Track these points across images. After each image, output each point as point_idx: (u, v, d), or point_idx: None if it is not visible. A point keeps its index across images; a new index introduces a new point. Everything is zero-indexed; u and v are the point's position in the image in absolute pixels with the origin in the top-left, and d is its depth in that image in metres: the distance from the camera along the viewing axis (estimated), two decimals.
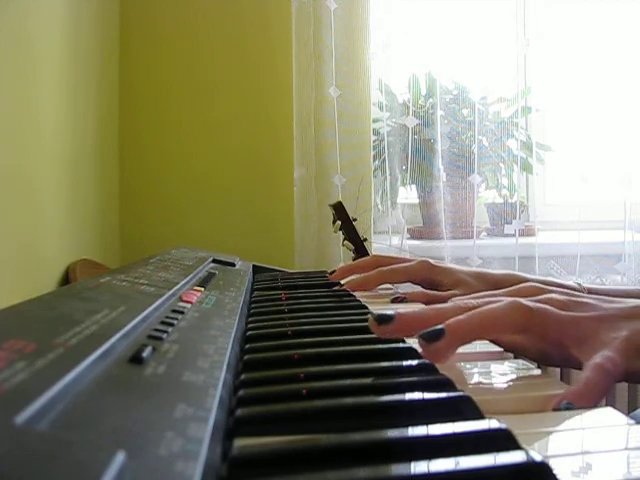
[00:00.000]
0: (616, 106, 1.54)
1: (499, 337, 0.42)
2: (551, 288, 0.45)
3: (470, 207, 1.50)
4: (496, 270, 0.72)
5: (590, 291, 0.66)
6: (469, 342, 0.39)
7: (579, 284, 0.67)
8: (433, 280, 0.69)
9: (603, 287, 0.69)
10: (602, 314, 0.41)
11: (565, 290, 0.46)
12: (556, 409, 0.32)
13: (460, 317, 0.38)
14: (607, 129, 1.55)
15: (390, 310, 0.40)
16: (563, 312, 0.40)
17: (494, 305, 0.39)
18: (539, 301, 0.41)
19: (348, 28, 1.40)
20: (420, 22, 1.48)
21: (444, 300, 0.63)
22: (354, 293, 0.66)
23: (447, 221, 1.47)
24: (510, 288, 0.48)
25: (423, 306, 0.56)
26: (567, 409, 0.31)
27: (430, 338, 0.36)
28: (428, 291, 0.67)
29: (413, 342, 0.39)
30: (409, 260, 0.67)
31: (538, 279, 0.67)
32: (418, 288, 0.70)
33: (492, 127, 1.53)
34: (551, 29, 1.53)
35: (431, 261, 0.70)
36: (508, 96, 1.57)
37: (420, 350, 0.38)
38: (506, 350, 0.43)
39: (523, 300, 0.40)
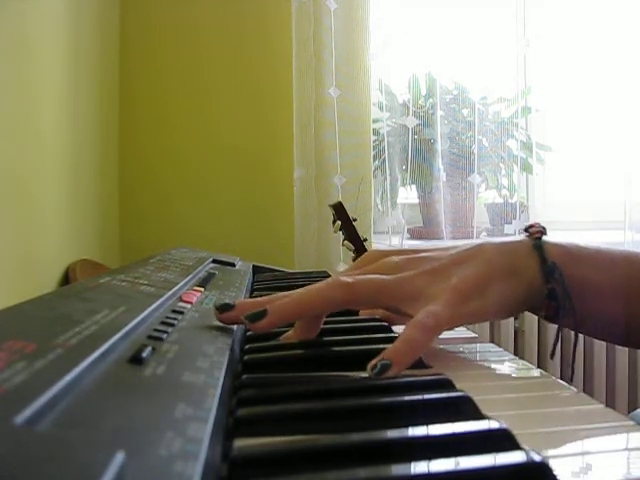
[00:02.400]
0: (616, 106, 1.54)
1: (323, 312, 0.43)
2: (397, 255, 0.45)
3: (470, 207, 1.50)
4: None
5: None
6: (291, 320, 0.41)
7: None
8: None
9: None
10: (434, 266, 0.41)
11: (414, 250, 0.46)
12: (374, 369, 0.33)
13: (284, 299, 0.40)
14: (607, 129, 1.55)
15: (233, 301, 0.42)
16: (389, 276, 0.41)
17: (315, 285, 0.41)
18: (368, 270, 0.43)
19: (348, 28, 1.40)
20: (420, 22, 1.48)
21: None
22: None
23: (447, 221, 1.47)
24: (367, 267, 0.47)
25: None
26: (383, 367, 0.33)
27: (254, 318, 0.39)
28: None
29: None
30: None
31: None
32: None
33: (492, 127, 1.53)
34: (551, 29, 1.53)
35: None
36: (508, 96, 1.57)
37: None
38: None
39: (344, 277, 0.41)
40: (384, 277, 0.41)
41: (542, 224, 0.49)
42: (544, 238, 0.45)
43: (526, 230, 0.47)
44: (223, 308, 0.41)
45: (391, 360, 0.33)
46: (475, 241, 0.45)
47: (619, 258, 0.44)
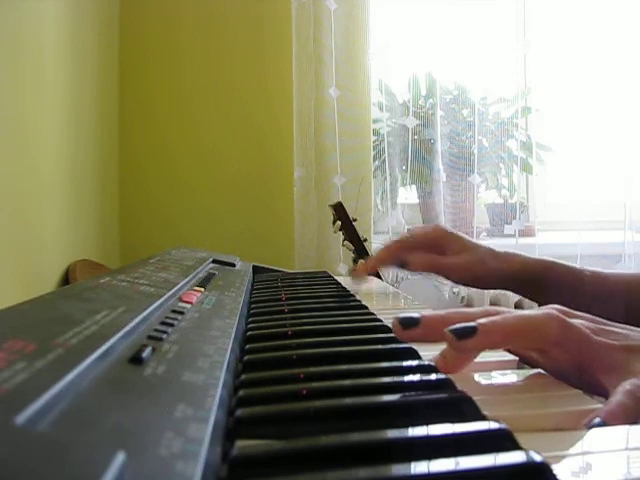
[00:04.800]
0: (616, 106, 1.54)
1: (530, 348, 0.39)
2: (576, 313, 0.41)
3: (470, 207, 1.50)
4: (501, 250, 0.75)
5: (593, 274, 0.67)
6: (500, 346, 0.36)
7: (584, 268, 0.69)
8: (443, 245, 0.72)
9: (607, 271, 0.70)
10: (632, 344, 0.38)
11: (588, 318, 0.42)
12: (589, 426, 0.30)
13: (494, 318, 0.35)
14: (607, 129, 1.55)
15: (414, 312, 0.38)
16: (596, 336, 0.38)
17: (529, 312, 0.37)
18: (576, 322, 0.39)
19: (348, 29, 1.40)
20: (420, 22, 1.49)
21: (446, 265, 0.64)
22: (354, 292, 0.66)
23: (447, 221, 1.47)
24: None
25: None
26: (599, 426, 0.30)
27: (461, 334, 0.34)
28: (431, 255, 0.71)
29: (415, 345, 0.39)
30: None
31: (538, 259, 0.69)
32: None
33: (492, 127, 1.53)
34: (551, 29, 1.54)
35: (445, 227, 0.75)
36: (508, 96, 1.57)
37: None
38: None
39: (560, 314, 0.37)
40: (593, 336, 0.37)
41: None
42: None
43: None
44: (406, 323, 0.36)
45: (606, 422, 0.31)
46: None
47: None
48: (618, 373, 0.36)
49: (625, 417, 0.32)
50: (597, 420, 0.31)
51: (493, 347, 0.36)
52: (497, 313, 0.37)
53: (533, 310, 0.38)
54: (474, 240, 0.74)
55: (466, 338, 0.34)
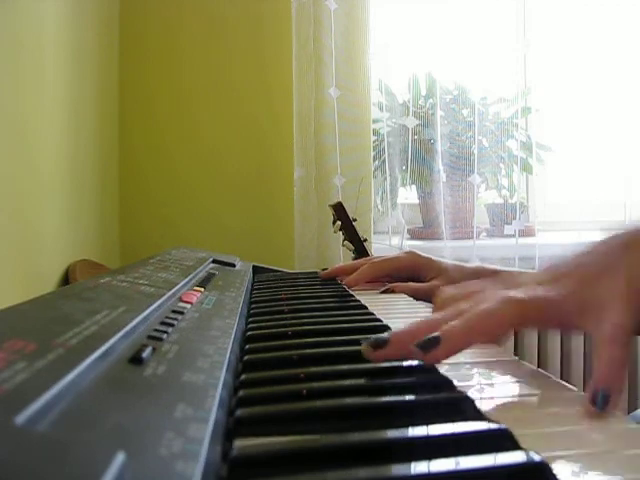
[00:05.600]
0: (616, 106, 1.54)
1: (495, 335, 0.40)
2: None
3: (470, 208, 1.49)
4: (467, 264, 0.78)
5: None
6: (468, 346, 0.37)
7: None
8: (418, 272, 0.75)
9: None
10: (583, 274, 0.39)
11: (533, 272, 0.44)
12: (594, 403, 0.30)
13: (454, 322, 0.36)
14: (607, 129, 1.55)
15: (384, 334, 0.37)
16: (552, 292, 0.38)
17: (486, 305, 0.37)
18: (524, 289, 0.40)
19: (348, 28, 1.40)
20: (420, 22, 1.48)
21: (429, 290, 0.66)
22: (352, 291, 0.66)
23: (447, 222, 1.47)
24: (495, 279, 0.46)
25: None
26: (604, 398, 0.30)
27: (426, 347, 0.35)
28: (413, 283, 0.73)
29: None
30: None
31: (505, 270, 0.70)
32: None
33: (492, 128, 1.53)
34: (551, 29, 1.53)
35: (417, 252, 0.77)
36: (508, 96, 1.57)
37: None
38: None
39: (513, 293, 0.38)
40: (545, 293, 0.38)
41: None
42: None
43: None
44: (376, 344, 0.36)
45: (607, 388, 0.31)
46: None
47: None
48: (590, 311, 0.36)
49: (619, 370, 0.33)
50: (600, 394, 0.31)
51: (461, 349, 0.36)
52: (459, 312, 0.38)
53: (493, 295, 0.39)
54: (440, 259, 0.76)
55: (432, 349, 0.35)
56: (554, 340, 1.43)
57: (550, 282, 0.40)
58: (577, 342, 1.43)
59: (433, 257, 0.76)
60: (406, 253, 0.78)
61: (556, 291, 0.38)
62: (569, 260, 0.41)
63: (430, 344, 0.35)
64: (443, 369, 0.35)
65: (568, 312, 0.38)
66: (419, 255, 0.76)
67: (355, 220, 1.02)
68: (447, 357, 0.35)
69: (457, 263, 0.76)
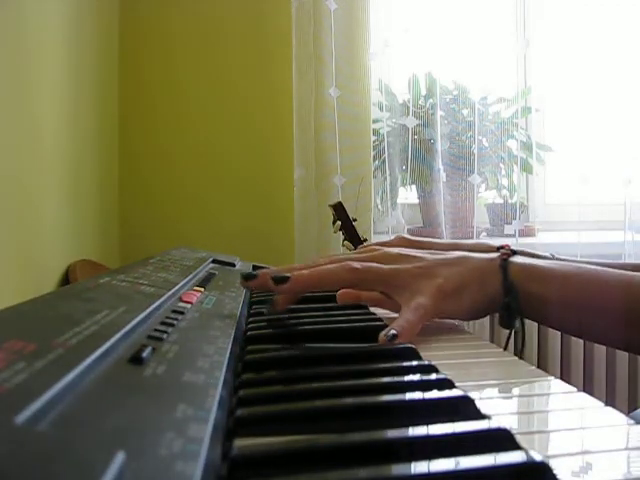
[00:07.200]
0: (616, 106, 1.54)
1: (332, 288, 0.55)
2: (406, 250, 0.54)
3: (470, 207, 1.49)
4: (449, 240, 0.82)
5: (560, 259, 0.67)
6: (308, 290, 0.51)
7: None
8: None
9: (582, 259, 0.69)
10: (423, 264, 0.50)
11: (409, 241, 0.61)
12: (385, 338, 0.41)
13: (305, 271, 0.49)
14: (607, 129, 1.54)
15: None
16: (387, 266, 0.50)
17: (331, 265, 0.50)
18: (371, 258, 0.52)
19: (348, 28, 1.40)
20: (420, 22, 1.48)
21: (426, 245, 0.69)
22: None
23: (447, 221, 1.47)
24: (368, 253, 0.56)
25: None
26: (392, 337, 0.41)
27: (277, 281, 0.48)
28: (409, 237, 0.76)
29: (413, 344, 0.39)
30: (405, 242, 0.71)
31: (469, 243, 0.70)
32: None
33: (492, 127, 1.53)
34: (551, 29, 1.53)
35: (406, 236, 0.75)
36: (508, 96, 1.57)
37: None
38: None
39: (354, 262, 0.50)
40: (383, 267, 0.50)
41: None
42: (513, 258, 0.51)
43: (498, 250, 0.55)
44: (248, 277, 0.50)
45: (398, 332, 0.42)
46: (472, 241, 0.54)
47: (571, 274, 0.51)
48: (407, 291, 0.48)
49: (412, 331, 0.44)
50: (392, 332, 0.42)
51: (303, 290, 0.51)
52: (315, 264, 0.51)
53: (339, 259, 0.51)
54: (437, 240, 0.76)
55: (280, 285, 0.48)
56: (554, 340, 1.43)
57: (406, 259, 0.51)
58: (577, 342, 1.43)
59: (424, 240, 0.72)
60: (396, 238, 0.76)
61: (392, 267, 0.50)
62: (437, 254, 0.53)
63: (281, 280, 0.48)
64: (443, 368, 0.35)
65: (390, 284, 0.50)
66: (408, 239, 0.75)
67: (355, 220, 1.02)
68: (290, 292, 0.50)
69: (439, 241, 0.70)
